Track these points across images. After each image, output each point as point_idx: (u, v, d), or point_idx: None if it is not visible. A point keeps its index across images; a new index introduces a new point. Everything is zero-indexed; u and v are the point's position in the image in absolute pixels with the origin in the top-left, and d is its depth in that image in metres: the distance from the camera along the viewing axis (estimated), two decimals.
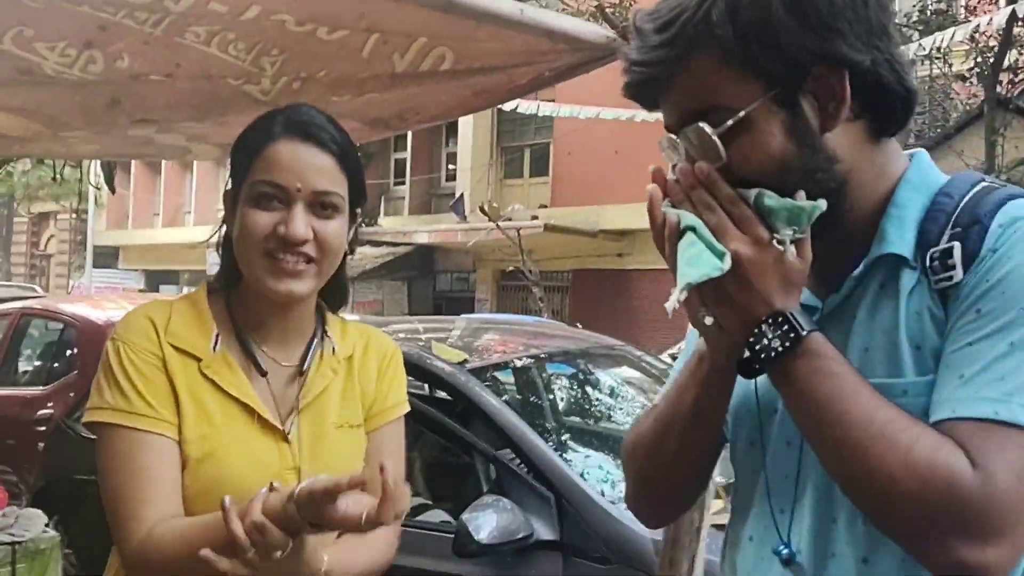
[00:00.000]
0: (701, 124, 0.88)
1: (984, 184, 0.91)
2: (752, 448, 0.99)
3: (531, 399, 3.52)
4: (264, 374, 1.18)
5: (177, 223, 24.45)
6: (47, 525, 2.37)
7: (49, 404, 5.19)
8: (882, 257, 0.90)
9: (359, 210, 1.23)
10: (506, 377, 3.41)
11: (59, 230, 27.81)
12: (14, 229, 28.54)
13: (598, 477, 2.77)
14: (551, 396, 3.57)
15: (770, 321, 0.86)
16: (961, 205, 0.88)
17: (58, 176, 6.94)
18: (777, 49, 0.85)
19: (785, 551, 0.92)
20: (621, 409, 3.65)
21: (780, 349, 0.85)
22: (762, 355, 0.86)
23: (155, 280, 22.96)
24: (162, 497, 1.09)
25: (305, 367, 1.21)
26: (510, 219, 14.13)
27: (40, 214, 27.82)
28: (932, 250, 0.87)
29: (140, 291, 19.10)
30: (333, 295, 1.27)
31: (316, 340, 1.24)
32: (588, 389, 3.77)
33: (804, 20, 0.84)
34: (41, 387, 5.44)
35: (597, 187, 15.41)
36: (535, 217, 14.87)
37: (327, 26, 1.48)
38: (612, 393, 3.71)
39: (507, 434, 2.74)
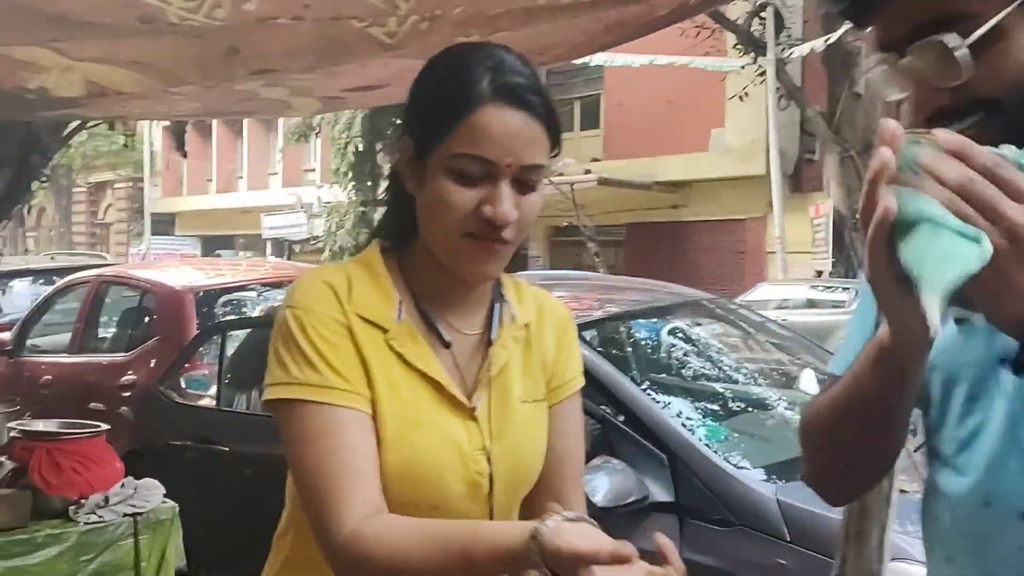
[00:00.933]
0: (942, 36, 0.76)
1: None
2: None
3: (617, 356, 3.42)
4: (448, 346, 1.07)
5: (231, 188, 24.71)
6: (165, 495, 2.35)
7: (130, 371, 5.24)
8: None
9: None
10: (589, 335, 3.30)
11: (116, 199, 28.33)
12: (73, 199, 29.13)
13: (704, 436, 2.67)
14: (639, 353, 3.47)
15: None
16: None
17: (127, 142, 6.96)
18: None
19: None
20: (719, 366, 3.52)
21: None
22: None
23: (211, 246, 23.30)
24: (368, 480, 0.97)
25: (492, 336, 1.10)
26: (561, 174, 13.94)
27: (97, 184, 28.35)
28: None
29: (198, 257, 19.35)
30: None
31: (497, 306, 1.12)
32: (679, 345, 3.64)
33: None
34: (123, 354, 5.48)
35: (650, 138, 15.12)
36: (588, 171, 14.64)
37: None
38: (703, 348, 3.59)
39: (612, 392, 2.65)
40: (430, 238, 1.04)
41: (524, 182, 1.01)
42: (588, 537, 0.82)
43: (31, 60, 1.57)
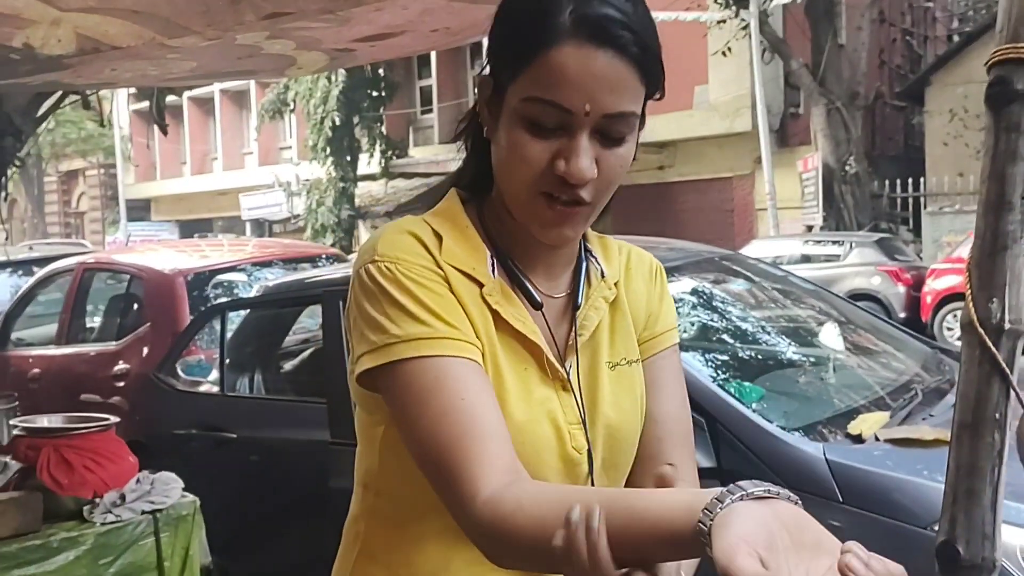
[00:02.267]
0: None
1: None
2: None
3: None
4: (539, 307, 0.95)
5: (205, 170, 24.37)
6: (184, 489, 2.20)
7: (122, 359, 5.08)
8: None
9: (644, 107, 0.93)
10: None
11: (89, 187, 27.86)
12: (45, 189, 28.61)
13: (742, 397, 2.56)
14: None
15: None
16: None
17: (103, 122, 6.71)
18: None
19: None
20: (745, 324, 3.41)
21: None
22: None
23: (189, 230, 22.99)
24: (497, 437, 0.83)
25: (579, 300, 0.98)
26: None
27: (68, 172, 27.87)
28: None
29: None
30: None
31: (584, 265, 1.00)
32: (704, 303, 3.52)
33: None
34: (113, 342, 5.31)
35: None
36: None
37: None
38: (727, 306, 3.47)
39: None
40: (503, 189, 0.92)
41: (608, 133, 0.87)
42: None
43: (15, 12, 1.38)
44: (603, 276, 1.01)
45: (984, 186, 1.31)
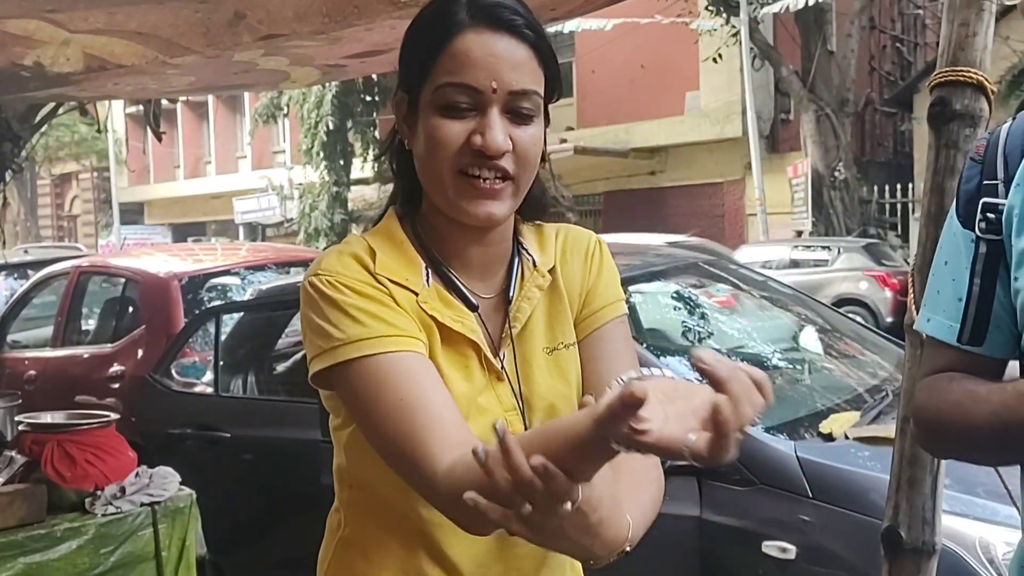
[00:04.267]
0: None
1: None
2: None
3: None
4: (474, 308, 1.02)
5: (199, 174, 24.35)
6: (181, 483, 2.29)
7: (117, 362, 5.14)
8: None
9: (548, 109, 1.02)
10: None
11: (82, 190, 27.82)
12: (38, 192, 28.56)
13: None
14: (642, 316, 3.44)
15: None
16: None
17: (99, 126, 6.76)
18: None
19: None
20: (723, 326, 3.51)
21: None
22: None
23: (182, 233, 22.97)
24: (447, 420, 0.90)
25: (511, 295, 1.04)
26: None
27: (62, 175, 27.80)
28: None
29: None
30: (530, 208, 1.07)
31: (517, 262, 1.06)
32: (683, 307, 3.63)
33: None
34: (108, 345, 5.37)
35: (624, 105, 15.07)
36: (563, 140, 14.58)
37: None
38: (706, 310, 3.57)
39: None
40: (427, 184, 0.99)
41: (517, 111, 0.95)
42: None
43: (26, 34, 1.48)
44: (535, 266, 1.06)
45: (926, 199, 1.42)
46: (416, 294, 0.98)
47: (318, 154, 17.80)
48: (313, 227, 18.37)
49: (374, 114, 18.33)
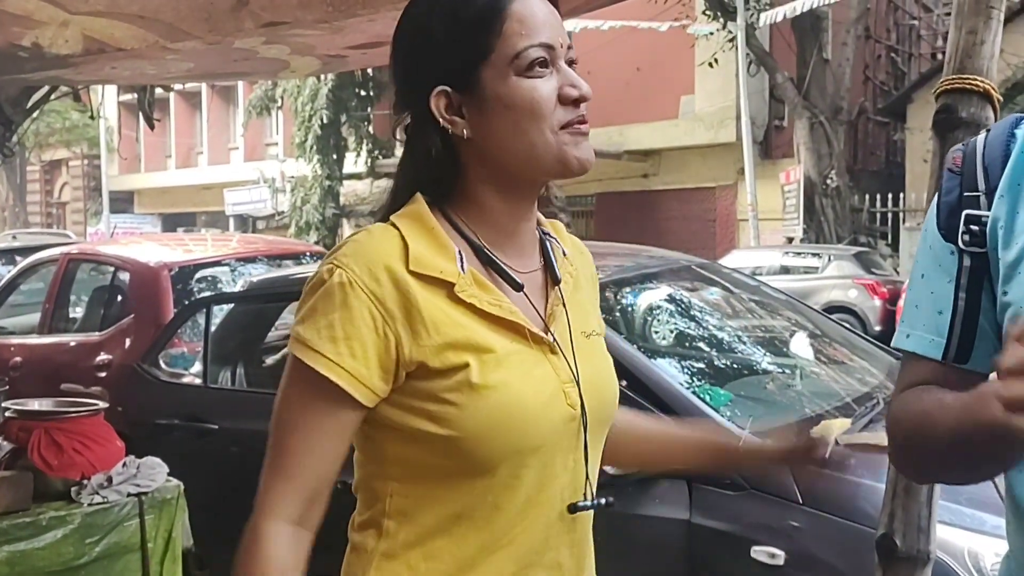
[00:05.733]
0: None
1: None
2: None
3: (618, 321, 3.38)
4: (520, 288, 1.02)
5: (190, 164, 24.24)
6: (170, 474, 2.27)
7: (105, 350, 5.10)
8: None
9: None
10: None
11: (72, 177, 27.64)
12: (27, 178, 28.36)
13: (710, 400, 2.66)
14: (635, 318, 3.44)
15: None
16: None
17: (92, 113, 6.71)
18: None
19: None
20: (716, 330, 3.51)
21: None
22: None
23: (172, 223, 22.89)
24: (308, 486, 0.96)
25: (557, 272, 1.06)
26: None
27: (52, 162, 27.62)
28: None
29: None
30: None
31: (548, 243, 1.08)
32: (677, 310, 3.62)
33: None
34: (96, 333, 5.34)
35: (620, 107, 15.07)
36: None
37: None
38: (699, 313, 3.57)
39: (617, 358, 2.62)
40: (519, 157, 0.98)
41: (571, 62, 1.00)
42: None
43: (26, 14, 1.46)
44: (565, 253, 1.09)
45: (928, 207, 1.41)
46: (452, 284, 0.97)
47: (311, 147, 17.75)
48: (304, 220, 18.32)
49: (368, 109, 18.29)
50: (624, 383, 2.57)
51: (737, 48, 12.70)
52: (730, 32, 12.76)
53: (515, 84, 0.96)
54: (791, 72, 13.39)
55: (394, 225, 0.99)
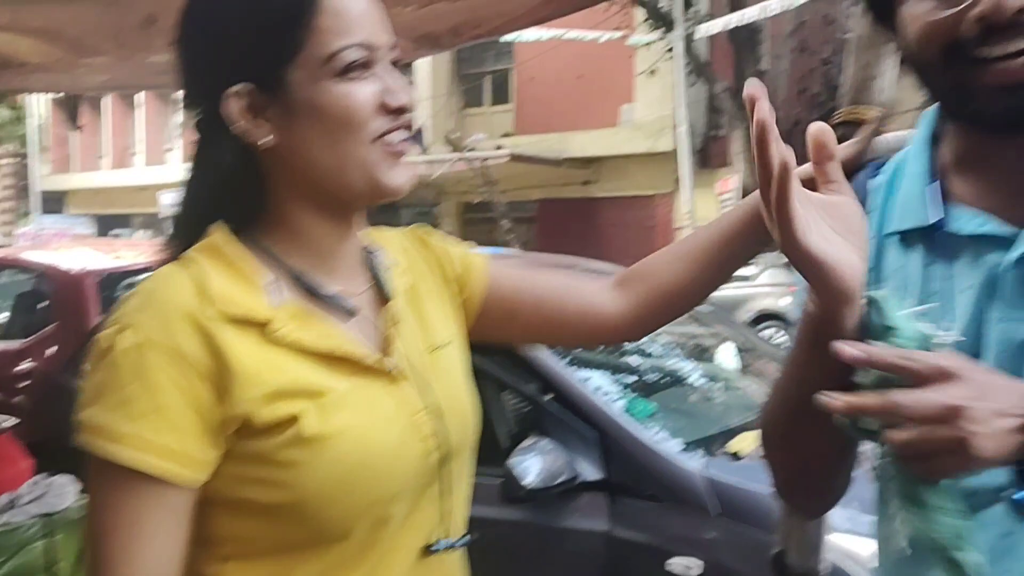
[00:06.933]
0: None
1: None
2: None
3: None
4: (353, 314, 0.89)
5: (125, 165, 23.65)
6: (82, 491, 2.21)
7: (27, 358, 4.96)
8: None
9: None
10: None
11: (1, 176, 26.73)
12: None
13: (633, 412, 2.69)
14: None
15: None
16: None
17: (17, 113, 6.51)
18: None
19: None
20: (643, 344, 3.55)
21: None
22: None
23: (106, 225, 22.29)
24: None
25: (388, 291, 0.93)
26: (473, 149, 13.88)
27: None
28: None
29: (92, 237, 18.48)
30: None
31: (372, 257, 0.96)
32: None
33: None
34: (18, 340, 5.19)
35: (561, 114, 15.18)
36: (500, 147, 14.61)
37: None
38: None
39: (542, 373, 2.64)
40: (329, 171, 0.85)
41: (395, 63, 0.87)
42: None
43: None
44: (395, 264, 0.98)
45: None
46: (264, 324, 0.82)
47: None
48: None
49: None
50: (549, 396, 2.61)
51: (676, 58, 12.90)
52: (669, 43, 12.95)
53: (327, 89, 0.83)
54: (729, 82, 13.63)
55: (189, 263, 0.84)
